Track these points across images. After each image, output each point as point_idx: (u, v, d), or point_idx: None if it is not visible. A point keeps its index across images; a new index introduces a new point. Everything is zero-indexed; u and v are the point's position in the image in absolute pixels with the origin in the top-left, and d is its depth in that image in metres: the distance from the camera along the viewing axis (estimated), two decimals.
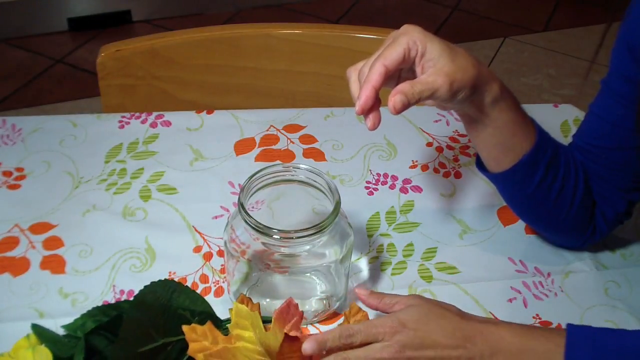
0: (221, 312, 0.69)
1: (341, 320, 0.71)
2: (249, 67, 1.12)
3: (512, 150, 0.69)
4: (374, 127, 0.60)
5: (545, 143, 0.70)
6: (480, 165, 0.74)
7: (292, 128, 0.95)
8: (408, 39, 0.61)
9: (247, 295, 0.70)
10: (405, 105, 0.59)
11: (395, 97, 0.59)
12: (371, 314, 0.68)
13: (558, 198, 0.72)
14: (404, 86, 0.60)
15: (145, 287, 0.65)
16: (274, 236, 0.63)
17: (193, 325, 0.61)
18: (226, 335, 0.62)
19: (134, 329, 0.62)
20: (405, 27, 0.63)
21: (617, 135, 0.71)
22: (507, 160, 0.70)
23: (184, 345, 0.63)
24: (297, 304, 0.61)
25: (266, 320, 0.69)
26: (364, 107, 0.59)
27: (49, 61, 2.40)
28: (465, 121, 0.69)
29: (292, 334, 0.60)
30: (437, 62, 0.61)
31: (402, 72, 0.65)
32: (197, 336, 0.60)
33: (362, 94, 0.59)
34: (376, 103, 0.60)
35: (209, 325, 0.61)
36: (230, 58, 1.11)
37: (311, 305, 0.71)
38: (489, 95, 0.65)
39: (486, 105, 0.66)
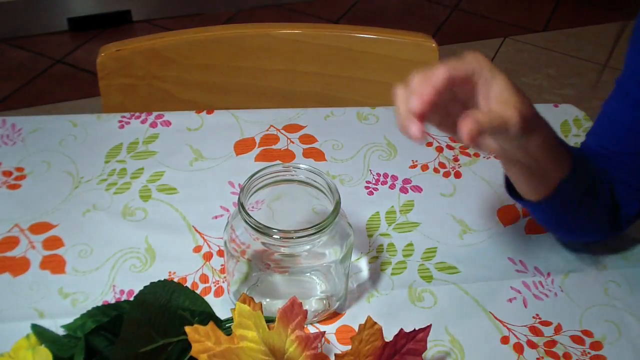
0: (221, 312, 0.69)
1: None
2: (249, 67, 1.13)
3: (544, 183, 0.67)
4: (422, 137, 0.54)
5: (579, 163, 0.69)
6: (512, 192, 0.71)
7: (292, 128, 0.95)
8: (475, 61, 0.56)
9: (249, 293, 0.70)
10: (478, 134, 0.52)
11: (466, 122, 0.52)
12: (386, 329, 0.65)
13: (592, 213, 0.72)
14: (475, 113, 0.53)
15: (145, 287, 0.65)
16: (274, 236, 0.63)
17: (196, 326, 0.61)
18: (228, 335, 0.62)
19: (134, 329, 0.62)
20: (471, 53, 0.57)
21: (633, 140, 0.70)
22: (543, 188, 0.67)
23: (185, 345, 0.63)
24: (300, 303, 0.61)
25: (267, 320, 0.69)
26: (422, 104, 0.53)
27: (49, 61, 2.40)
28: (500, 155, 0.64)
29: (296, 333, 0.60)
30: (503, 94, 0.56)
31: (450, 106, 0.59)
32: (199, 337, 0.60)
33: (421, 91, 0.53)
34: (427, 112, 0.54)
35: (211, 325, 0.61)
36: (230, 58, 1.11)
37: (311, 305, 0.71)
38: (540, 136, 0.61)
39: (532, 146, 0.61)
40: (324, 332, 0.65)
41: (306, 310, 0.61)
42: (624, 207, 0.75)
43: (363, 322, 0.63)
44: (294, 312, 0.60)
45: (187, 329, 0.60)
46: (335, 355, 0.63)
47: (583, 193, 0.70)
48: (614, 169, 0.73)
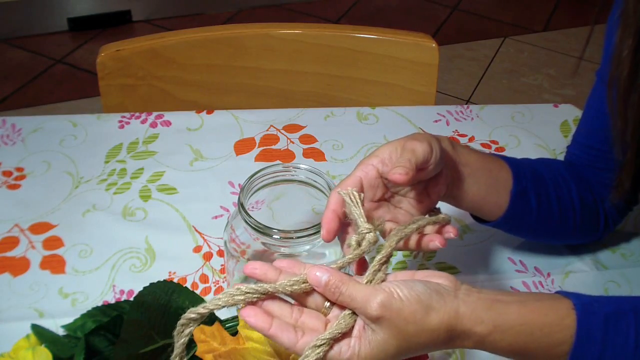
0: (221, 312, 0.69)
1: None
2: (249, 67, 1.12)
3: (498, 188, 0.68)
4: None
5: (519, 167, 0.70)
6: (478, 219, 0.72)
7: (292, 128, 0.95)
8: (365, 169, 0.59)
9: None
10: (409, 174, 0.55)
11: (395, 172, 0.56)
12: None
13: (561, 211, 0.72)
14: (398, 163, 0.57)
15: (145, 288, 0.65)
16: (274, 236, 0.63)
17: (202, 326, 0.61)
18: (233, 335, 0.62)
19: (134, 330, 0.62)
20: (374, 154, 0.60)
21: None
22: (500, 202, 0.68)
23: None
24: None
25: None
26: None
27: (49, 61, 2.40)
28: (447, 194, 0.65)
29: None
30: (396, 149, 0.60)
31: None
32: (205, 337, 0.60)
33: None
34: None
35: (217, 325, 0.61)
36: (230, 58, 1.11)
37: None
38: (445, 142, 0.63)
39: (452, 153, 0.64)
40: None
41: None
42: (609, 209, 0.75)
43: None
44: None
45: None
46: None
47: (536, 191, 0.69)
48: (600, 171, 0.73)
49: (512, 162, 0.70)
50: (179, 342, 0.52)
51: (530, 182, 0.69)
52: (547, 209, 0.71)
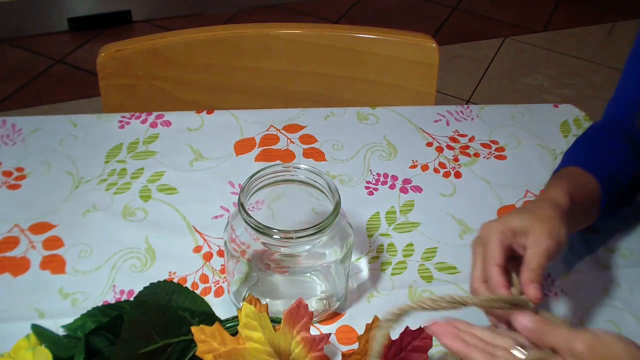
0: (221, 312, 0.69)
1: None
2: (249, 67, 1.13)
3: (592, 210, 0.74)
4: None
5: (606, 182, 0.74)
6: None
7: (292, 128, 0.95)
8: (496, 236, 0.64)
9: (249, 293, 0.70)
10: (542, 287, 0.61)
11: (529, 289, 0.61)
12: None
13: (633, 190, 0.77)
14: (527, 274, 0.62)
15: (145, 288, 0.65)
16: (274, 236, 0.63)
17: (202, 326, 0.61)
18: (233, 335, 0.62)
19: (135, 330, 0.62)
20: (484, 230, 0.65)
21: None
22: (591, 216, 0.74)
23: (185, 346, 0.63)
24: (306, 304, 0.61)
25: (271, 321, 0.69)
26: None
27: (49, 61, 2.40)
28: None
29: (302, 335, 0.60)
30: (529, 236, 0.64)
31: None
32: (205, 337, 0.60)
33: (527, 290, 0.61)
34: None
35: (217, 326, 0.61)
36: (230, 58, 1.11)
37: (311, 305, 0.71)
38: (564, 218, 0.67)
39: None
40: (329, 334, 0.65)
41: (312, 312, 0.61)
42: None
43: (363, 322, 0.63)
44: (300, 313, 0.60)
45: (193, 329, 0.60)
46: (342, 354, 0.63)
47: (617, 204, 0.75)
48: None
49: (600, 177, 0.74)
50: (376, 345, 0.55)
51: (612, 188, 0.74)
52: (625, 197, 0.76)
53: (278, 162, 0.90)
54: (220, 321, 0.67)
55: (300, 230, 0.63)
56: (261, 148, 0.92)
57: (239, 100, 1.14)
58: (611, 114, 0.82)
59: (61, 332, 0.67)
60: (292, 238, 0.63)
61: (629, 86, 0.80)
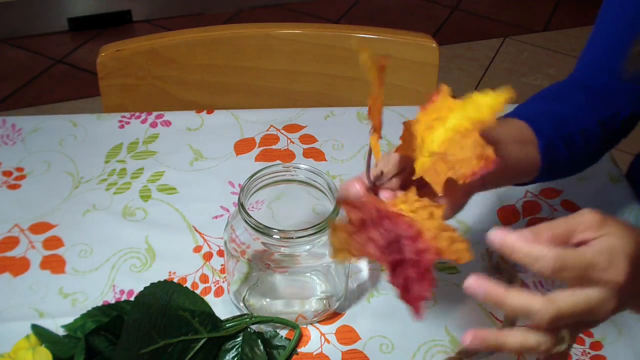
0: (221, 312, 0.69)
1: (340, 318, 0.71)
2: (249, 67, 1.13)
3: (527, 152, 0.67)
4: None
5: (536, 119, 0.69)
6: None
7: (292, 128, 0.95)
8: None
9: (249, 293, 0.70)
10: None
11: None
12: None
13: (587, 143, 0.72)
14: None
15: (145, 288, 0.65)
16: (274, 236, 0.63)
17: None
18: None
19: (135, 330, 0.62)
20: None
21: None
22: (531, 162, 0.67)
23: (185, 346, 0.63)
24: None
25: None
26: None
27: (49, 61, 2.40)
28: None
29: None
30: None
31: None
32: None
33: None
34: None
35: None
36: (230, 58, 1.11)
37: (311, 305, 0.71)
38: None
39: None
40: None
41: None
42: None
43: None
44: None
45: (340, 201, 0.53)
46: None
47: (564, 150, 0.69)
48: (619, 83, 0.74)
49: (528, 117, 0.68)
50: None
51: (552, 130, 0.68)
52: (575, 147, 0.71)
53: (278, 162, 0.90)
54: (221, 321, 0.67)
55: (300, 230, 0.63)
56: (261, 148, 0.92)
57: (239, 100, 1.14)
58: (574, 72, 0.80)
59: (61, 332, 0.67)
60: (292, 238, 0.63)
61: (598, 39, 0.78)
